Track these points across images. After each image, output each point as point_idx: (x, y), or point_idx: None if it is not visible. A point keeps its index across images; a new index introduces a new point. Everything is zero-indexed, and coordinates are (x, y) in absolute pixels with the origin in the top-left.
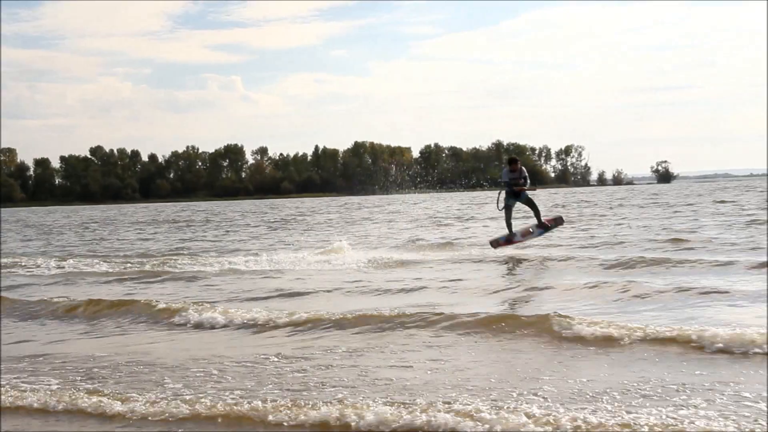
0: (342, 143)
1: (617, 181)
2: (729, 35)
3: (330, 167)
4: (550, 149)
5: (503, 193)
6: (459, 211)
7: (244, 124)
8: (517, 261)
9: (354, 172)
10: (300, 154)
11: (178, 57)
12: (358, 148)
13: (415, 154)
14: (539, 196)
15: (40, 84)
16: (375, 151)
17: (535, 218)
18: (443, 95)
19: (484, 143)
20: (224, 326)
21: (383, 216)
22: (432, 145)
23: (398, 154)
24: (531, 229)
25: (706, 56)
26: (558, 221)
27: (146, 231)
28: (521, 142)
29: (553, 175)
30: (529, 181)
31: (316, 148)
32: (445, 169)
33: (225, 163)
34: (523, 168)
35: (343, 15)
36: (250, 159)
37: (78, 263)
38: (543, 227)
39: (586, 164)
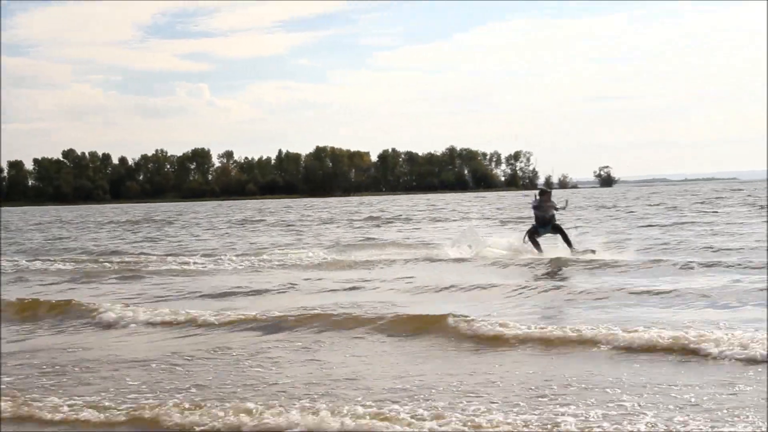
0: (304, 148)
1: (563, 184)
2: (670, 47)
3: (293, 170)
4: (500, 154)
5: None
6: (403, 211)
7: (211, 129)
8: (457, 260)
9: (315, 175)
10: (264, 157)
11: (147, 65)
12: (319, 153)
13: (374, 158)
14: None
15: (18, 90)
16: (336, 155)
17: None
18: (401, 103)
19: (439, 148)
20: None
21: (337, 216)
22: (389, 150)
23: (357, 158)
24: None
25: (647, 67)
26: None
27: (106, 230)
28: (473, 148)
29: (503, 179)
30: (557, 207)
31: (280, 152)
32: (402, 173)
33: (192, 166)
34: (554, 200)
35: (305, 26)
36: (216, 162)
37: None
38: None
39: (534, 169)
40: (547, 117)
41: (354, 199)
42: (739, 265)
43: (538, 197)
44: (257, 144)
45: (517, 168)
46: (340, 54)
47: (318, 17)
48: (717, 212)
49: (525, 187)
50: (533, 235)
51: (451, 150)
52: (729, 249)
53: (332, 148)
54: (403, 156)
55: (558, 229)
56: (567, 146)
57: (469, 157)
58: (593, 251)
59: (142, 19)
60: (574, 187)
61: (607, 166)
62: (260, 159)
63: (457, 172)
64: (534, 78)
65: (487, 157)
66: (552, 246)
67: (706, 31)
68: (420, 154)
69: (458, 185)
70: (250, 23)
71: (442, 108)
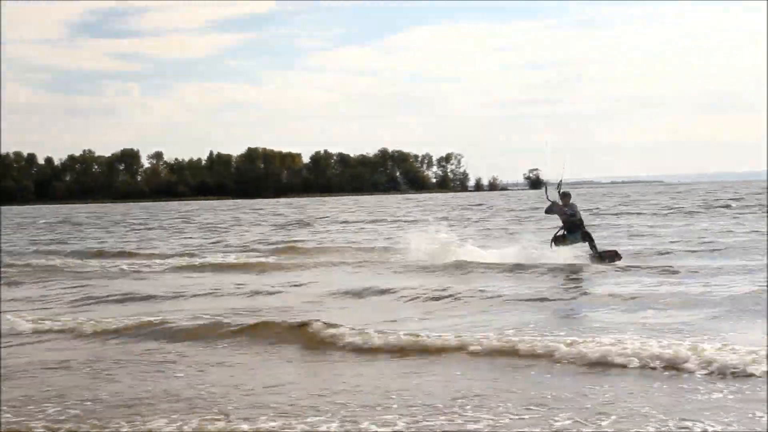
0: (236, 149)
1: (493, 186)
2: (595, 54)
3: (224, 172)
4: (432, 156)
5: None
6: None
7: (141, 130)
8: (358, 263)
9: (247, 176)
10: (195, 159)
11: (77, 64)
12: (251, 154)
13: (306, 159)
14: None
15: None
16: (267, 156)
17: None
18: (333, 104)
19: (371, 150)
20: None
21: (251, 218)
22: (321, 152)
23: (289, 159)
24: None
25: (574, 73)
26: (613, 256)
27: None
28: (405, 150)
29: (434, 180)
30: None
31: (211, 153)
32: (334, 174)
33: (121, 167)
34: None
35: (237, 27)
36: (146, 163)
37: None
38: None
39: (465, 171)
40: (477, 120)
41: (293, 200)
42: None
43: (560, 201)
44: (188, 145)
45: (449, 170)
46: (272, 55)
47: (250, 18)
48: (642, 213)
49: (455, 189)
50: (559, 241)
51: (384, 152)
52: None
53: (264, 150)
54: (335, 157)
55: (588, 236)
56: (497, 149)
57: (401, 158)
58: (619, 257)
59: (72, 18)
60: (504, 189)
61: (536, 169)
62: (191, 160)
63: (389, 174)
64: (465, 81)
65: (419, 159)
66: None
67: (631, 37)
68: (352, 155)
69: (390, 187)
70: (182, 23)
71: (375, 110)
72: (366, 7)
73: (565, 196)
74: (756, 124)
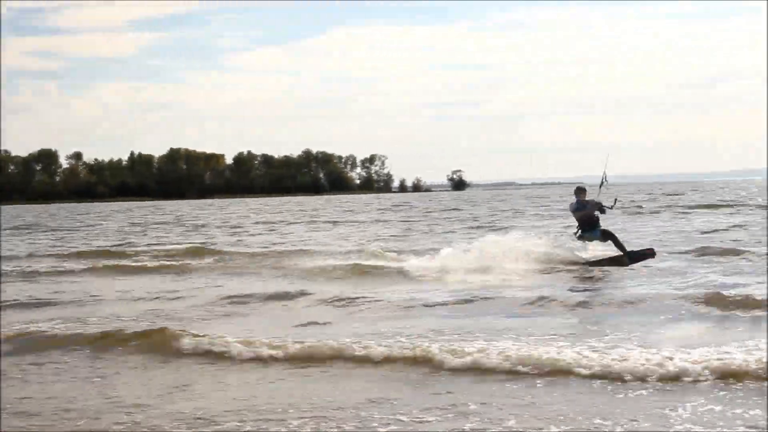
0: (157, 149)
1: (417, 188)
2: (515, 57)
3: (145, 172)
4: (355, 158)
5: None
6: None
7: (59, 129)
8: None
9: (169, 177)
10: (115, 159)
11: None
12: (173, 154)
13: (229, 160)
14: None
15: None
16: (190, 157)
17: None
18: (256, 105)
19: (295, 151)
20: None
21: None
22: (245, 153)
23: (213, 160)
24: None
25: (495, 76)
26: (647, 254)
27: None
28: (329, 151)
29: (357, 182)
30: (603, 205)
31: (132, 153)
32: (257, 175)
33: (38, 168)
34: (591, 200)
35: (157, 26)
36: (64, 163)
37: None
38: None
39: (389, 172)
40: (401, 121)
41: (215, 202)
42: None
43: (575, 198)
44: (108, 145)
45: (372, 171)
46: (193, 55)
47: (170, 17)
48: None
49: (380, 191)
50: (580, 239)
51: (307, 153)
52: None
53: (186, 150)
54: (258, 158)
55: (609, 235)
56: (420, 150)
57: (325, 160)
58: (653, 254)
59: None
60: (428, 190)
61: (459, 170)
62: (111, 160)
63: (312, 175)
64: (389, 83)
65: (343, 160)
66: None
67: (553, 41)
68: (276, 156)
69: (314, 188)
70: (101, 22)
71: (298, 110)
72: (287, 7)
73: (580, 191)
74: (675, 126)
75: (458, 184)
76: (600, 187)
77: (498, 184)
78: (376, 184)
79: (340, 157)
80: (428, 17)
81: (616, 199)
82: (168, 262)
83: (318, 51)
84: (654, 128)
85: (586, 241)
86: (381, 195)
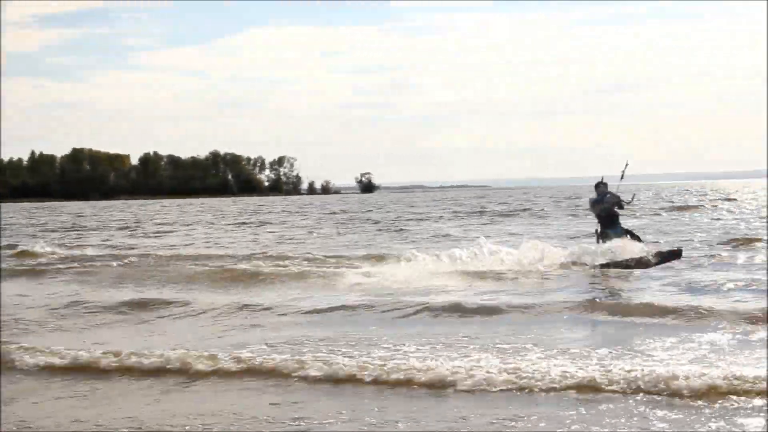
0: (60, 149)
1: (326, 190)
2: (425, 60)
3: (47, 173)
4: (264, 159)
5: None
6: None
7: None
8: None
9: (72, 178)
10: (15, 159)
11: None
12: (76, 154)
13: (134, 161)
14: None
15: None
16: (94, 157)
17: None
18: (163, 105)
19: (202, 152)
20: None
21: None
22: (151, 153)
23: (117, 161)
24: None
25: (404, 79)
26: (675, 255)
27: None
28: (238, 152)
29: (266, 184)
30: (621, 199)
31: (33, 153)
32: (164, 177)
33: None
34: (611, 192)
35: (60, 23)
36: None
37: None
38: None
39: (298, 174)
40: (310, 123)
41: (119, 203)
42: None
43: (624, 198)
44: (7, 145)
45: (281, 173)
46: (98, 53)
47: (74, 14)
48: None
49: (288, 193)
50: (602, 238)
51: (215, 154)
52: None
53: (90, 150)
54: (165, 159)
55: (630, 234)
56: (330, 153)
57: (234, 161)
58: (680, 255)
59: None
60: (337, 192)
61: (368, 173)
62: (10, 160)
63: (221, 177)
64: (297, 84)
65: (251, 161)
66: None
67: (463, 44)
68: (183, 157)
69: (222, 190)
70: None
71: (205, 111)
72: (194, 7)
73: (600, 185)
74: (582, 130)
75: (367, 187)
76: (619, 181)
77: (407, 186)
78: (285, 186)
79: (248, 159)
80: (340, 18)
81: (634, 195)
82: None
83: (228, 52)
84: (565, 132)
85: (606, 238)
86: (290, 197)
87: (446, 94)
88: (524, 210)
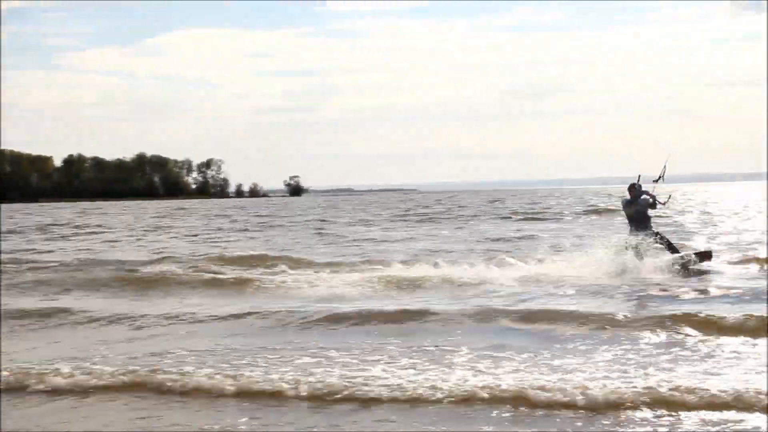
0: None
1: (254, 193)
2: (352, 63)
3: None
4: (192, 162)
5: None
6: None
7: None
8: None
9: None
10: None
11: None
12: None
13: (58, 163)
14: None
15: None
16: (14, 158)
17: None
18: (86, 106)
19: (128, 155)
20: None
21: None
22: (75, 155)
23: (40, 162)
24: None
25: (332, 82)
26: (705, 256)
27: None
28: (164, 155)
29: (194, 186)
30: (652, 200)
31: None
32: (89, 179)
33: None
34: (646, 194)
35: None
36: None
37: None
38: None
39: (225, 177)
40: (238, 126)
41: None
42: None
43: (660, 199)
44: None
45: (209, 176)
46: (19, 53)
47: None
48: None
49: (216, 196)
50: (636, 252)
51: (141, 156)
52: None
53: (11, 152)
54: (89, 161)
55: (662, 238)
56: (257, 156)
57: (160, 164)
58: (710, 256)
59: None
60: (265, 195)
61: (296, 176)
62: None
63: (147, 179)
64: (223, 87)
65: (179, 164)
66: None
67: (388, 49)
68: (108, 159)
69: (148, 192)
70: None
71: (131, 113)
72: (119, 7)
73: (633, 187)
74: (507, 135)
75: (295, 190)
76: (657, 181)
77: (335, 189)
78: (212, 189)
79: (175, 161)
80: (267, 21)
81: (670, 196)
82: None
83: (154, 53)
84: (481, 135)
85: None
86: (218, 200)
87: (372, 98)
88: (448, 212)
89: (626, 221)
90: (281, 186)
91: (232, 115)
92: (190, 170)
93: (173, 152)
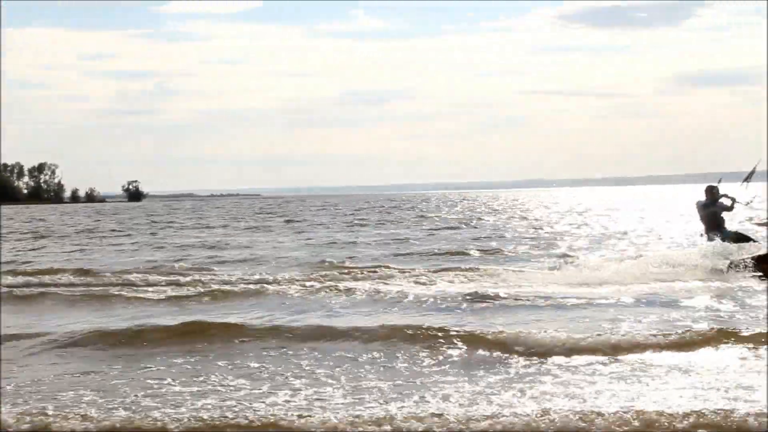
0: None
1: (91, 198)
2: (185, 66)
3: None
4: (23, 166)
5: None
6: None
7: None
8: None
9: None
10: None
11: None
12: None
13: None
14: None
15: None
16: None
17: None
18: None
19: None
20: None
21: None
22: None
23: None
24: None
25: (168, 85)
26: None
27: None
28: None
29: (25, 191)
30: (731, 203)
31: None
32: None
33: None
34: (725, 196)
35: None
36: None
37: None
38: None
39: (60, 181)
40: (71, 129)
41: None
42: None
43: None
44: None
45: (42, 180)
46: None
47: None
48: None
49: (50, 201)
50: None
51: None
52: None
53: None
54: None
55: (742, 238)
56: (93, 159)
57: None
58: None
59: None
60: (102, 201)
61: (135, 181)
62: None
63: None
64: (53, 88)
65: (9, 168)
66: None
67: (228, 53)
68: None
69: None
70: None
71: None
72: None
73: (710, 189)
74: (348, 138)
75: (134, 195)
76: (744, 182)
77: (176, 195)
78: (46, 194)
79: (5, 165)
80: (103, 23)
81: (754, 197)
82: None
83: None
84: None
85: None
86: (54, 205)
87: (210, 102)
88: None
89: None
90: (119, 191)
91: (63, 118)
92: (21, 174)
93: (4, 156)
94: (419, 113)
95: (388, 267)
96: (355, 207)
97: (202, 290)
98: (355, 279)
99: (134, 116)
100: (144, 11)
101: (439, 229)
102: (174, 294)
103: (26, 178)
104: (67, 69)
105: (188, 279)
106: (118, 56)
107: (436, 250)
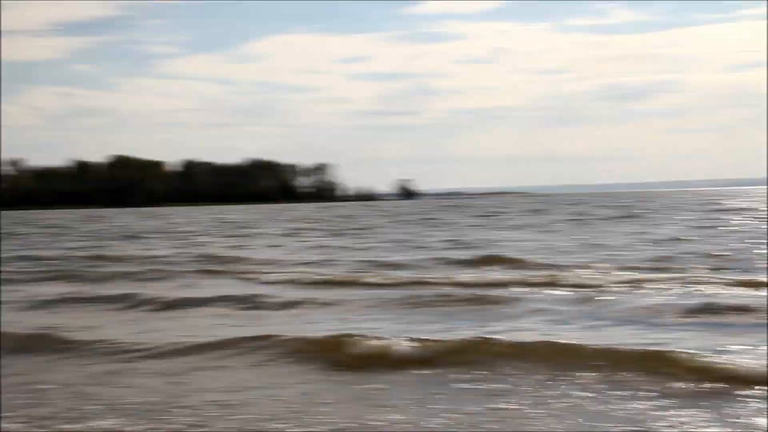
0: (92, 155)
1: (367, 197)
2: (447, 67)
3: (90, 180)
4: (303, 166)
5: None
6: None
7: None
8: None
9: (114, 185)
10: (57, 165)
11: None
12: (120, 161)
13: (172, 168)
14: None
15: None
16: (133, 164)
17: None
18: (190, 112)
19: (235, 159)
20: None
21: None
22: (191, 160)
23: (154, 167)
24: None
25: (425, 85)
26: None
27: None
28: (270, 159)
29: (306, 191)
30: None
31: (79, 162)
32: (206, 183)
33: None
34: None
35: (84, 30)
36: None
37: None
38: None
39: (335, 181)
40: (340, 131)
41: (162, 210)
42: None
43: None
44: (42, 151)
45: (320, 180)
46: (120, 60)
47: (95, 21)
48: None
49: (330, 200)
50: None
51: (255, 161)
52: None
53: (130, 158)
54: (206, 167)
55: None
56: (361, 159)
57: (272, 168)
58: None
59: None
60: (378, 199)
61: (407, 179)
62: (54, 167)
63: (264, 184)
64: (318, 91)
65: (294, 168)
66: None
67: (482, 52)
68: (220, 164)
69: (264, 197)
70: (24, 24)
71: (231, 118)
72: (213, 15)
73: None
74: (598, 137)
75: (407, 193)
76: None
77: (446, 192)
78: (325, 193)
79: (290, 166)
80: (347, 27)
81: None
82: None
83: (249, 59)
84: (585, 138)
85: None
86: (333, 204)
87: (466, 101)
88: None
89: None
90: (388, 189)
91: (333, 120)
92: (302, 174)
93: (278, 157)
94: (679, 107)
95: None
96: (664, 205)
97: None
98: None
99: (397, 117)
100: (394, 14)
101: None
102: None
103: (305, 178)
104: (327, 73)
105: None
106: (374, 58)
107: None
